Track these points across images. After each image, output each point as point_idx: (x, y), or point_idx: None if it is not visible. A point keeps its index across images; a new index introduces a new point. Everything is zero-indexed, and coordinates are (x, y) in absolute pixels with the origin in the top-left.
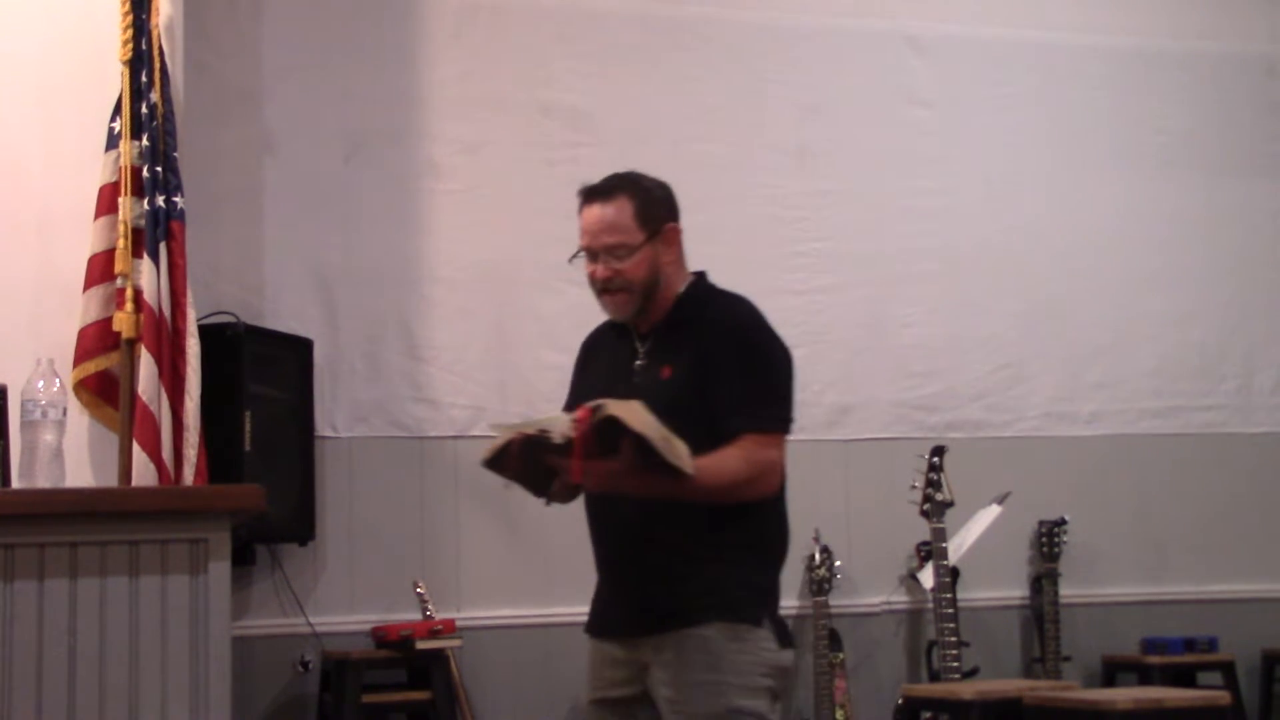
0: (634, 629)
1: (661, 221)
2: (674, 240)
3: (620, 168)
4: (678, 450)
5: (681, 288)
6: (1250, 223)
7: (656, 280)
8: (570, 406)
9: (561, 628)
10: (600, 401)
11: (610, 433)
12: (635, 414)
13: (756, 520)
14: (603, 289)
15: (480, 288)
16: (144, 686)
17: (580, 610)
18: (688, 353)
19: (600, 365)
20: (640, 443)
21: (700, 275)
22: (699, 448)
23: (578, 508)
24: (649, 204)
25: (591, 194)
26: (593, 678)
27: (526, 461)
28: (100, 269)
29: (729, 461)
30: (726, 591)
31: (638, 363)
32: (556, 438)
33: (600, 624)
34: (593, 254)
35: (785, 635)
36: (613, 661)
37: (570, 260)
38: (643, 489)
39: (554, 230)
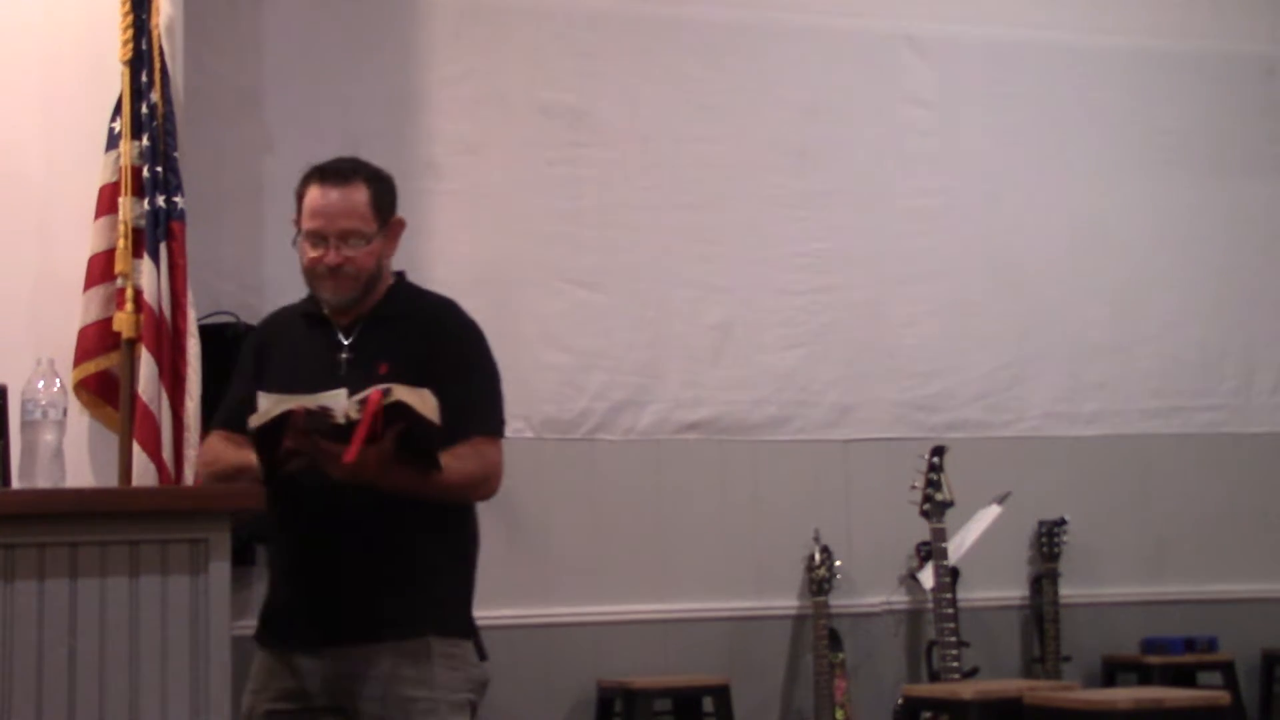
0: (339, 637)
1: (390, 213)
2: (397, 234)
3: (620, 168)
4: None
5: (390, 281)
6: (1250, 222)
7: (379, 272)
8: (253, 396)
9: (562, 628)
10: (388, 385)
11: (392, 419)
12: (425, 401)
13: (466, 527)
14: (329, 276)
15: (480, 288)
16: (144, 686)
17: (581, 610)
18: (405, 349)
19: (291, 356)
20: (427, 430)
21: (403, 273)
22: None
23: (581, 513)
24: (382, 194)
25: (327, 175)
26: (262, 688)
27: (300, 436)
28: (100, 269)
29: (467, 460)
30: (442, 603)
31: (343, 356)
32: (339, 417)
33: (285, 632)
34: (321, 238)
35: (483, 649)
36: (293, 672)
37: (293, 242)
38: (392, 481)
39: (554, 230)
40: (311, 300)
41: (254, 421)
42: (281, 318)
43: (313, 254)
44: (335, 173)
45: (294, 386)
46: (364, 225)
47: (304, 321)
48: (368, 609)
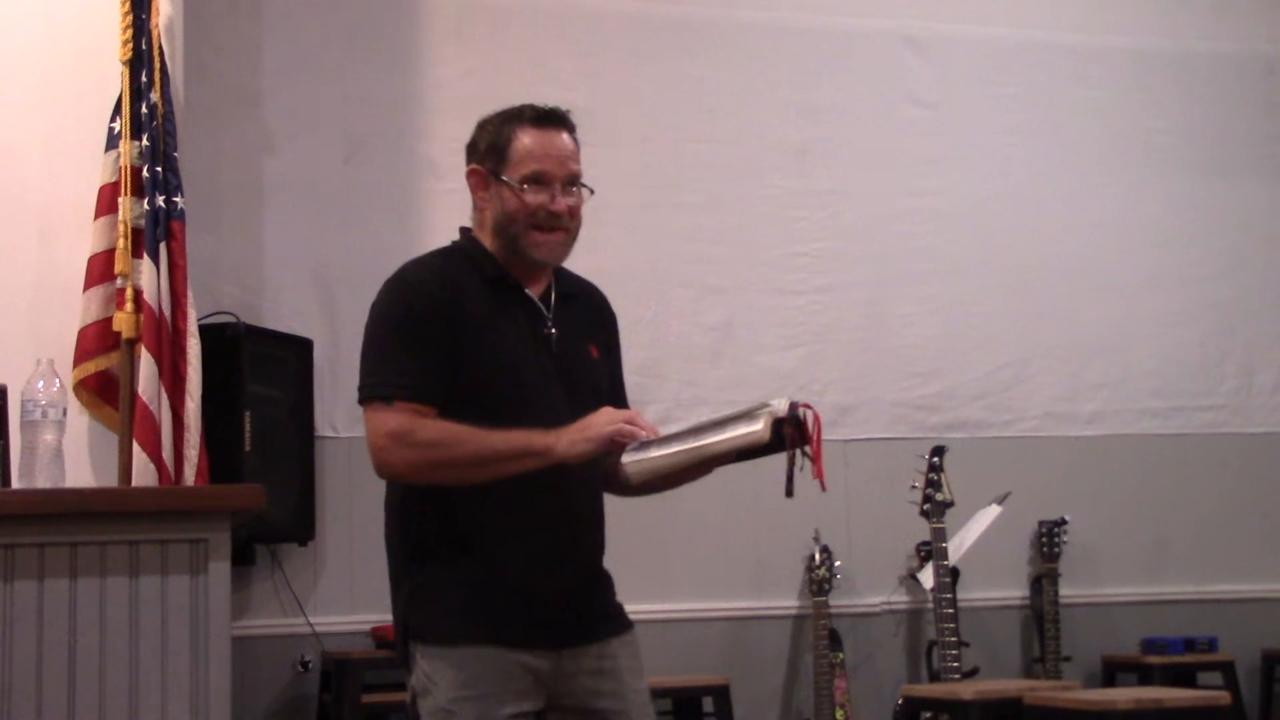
0: (581, 636)
1: None
2: None
3: (620, 168)
4: None
5: None
6: (1250, 222)
7: None
8: (449, 367)
9: None
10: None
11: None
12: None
13: None
14: (555, 225)
15: None
16: (144, 686)
17: None
18: (598, 334)
19: (495, 327)
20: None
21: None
22: None
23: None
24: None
25: (547, 117)
26: (499, 690)
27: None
28: (100, 269)
29: None
30: None
31: (550, 330)
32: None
33: (528, 631)
34: (546, 182)
35: None
36: (523, 671)
37: (521, 183)
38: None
39: None
40: (486, 261)
41: (760, 434)
42: (452, 278)
43: (539, 197)
44: (554, 115)
45: (511, 360)
46: (582, 174)
47: (488, 287)
48: (606, 606)
